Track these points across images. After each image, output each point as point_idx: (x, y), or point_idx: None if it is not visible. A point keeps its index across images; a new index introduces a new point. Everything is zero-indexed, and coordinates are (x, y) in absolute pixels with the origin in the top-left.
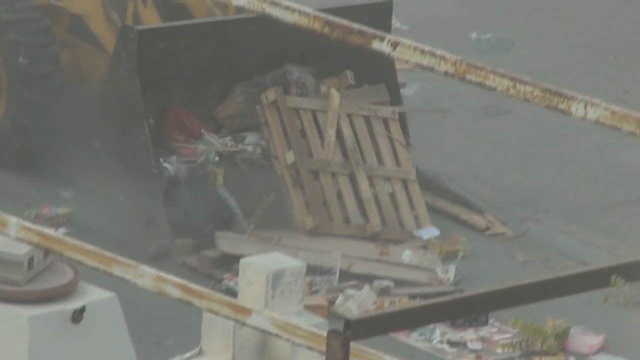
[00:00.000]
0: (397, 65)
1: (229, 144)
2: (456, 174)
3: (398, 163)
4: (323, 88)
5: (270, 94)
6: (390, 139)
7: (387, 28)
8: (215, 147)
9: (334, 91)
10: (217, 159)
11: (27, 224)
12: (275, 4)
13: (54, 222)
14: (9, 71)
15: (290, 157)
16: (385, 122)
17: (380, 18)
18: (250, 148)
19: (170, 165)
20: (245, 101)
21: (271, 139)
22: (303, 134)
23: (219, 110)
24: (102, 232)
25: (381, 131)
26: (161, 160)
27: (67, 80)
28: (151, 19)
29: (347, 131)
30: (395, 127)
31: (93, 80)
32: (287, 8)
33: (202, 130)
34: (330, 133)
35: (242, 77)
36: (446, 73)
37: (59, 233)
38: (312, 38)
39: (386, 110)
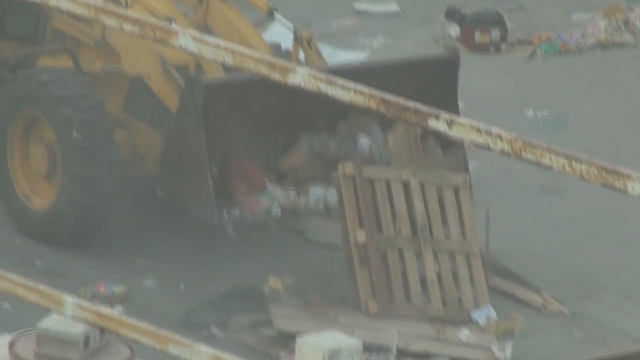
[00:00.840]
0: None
1: (292, 198)
2: (512, 252)
3: (464, 235)
4: (391, 140)
5: (348, 168)
6: (460, 210)
7: (454, 83)
8: (278, 200)
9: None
10: (279, 213)
11: (83, 303)
12: (331, 83)
13: (111, 301)
14: (63, 147)
15: (361, 236)
16: (456, 190)
17: (447, 73)
18: (313, 202)
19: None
20: (310, 152)
21: (343, 213)
22: (374, 201)
23: (284, 160)
24: (159, 310)
25: (451, 200)
26: (224, 211)
27: (122, 159)
28: (214, 71)
29: (419, 206)
30: (465, 196)
31: (148, 159)
32: (342, 87)
33: (265, 180)
34: (404, 217)
35: (307, 128)
36: (502, 151)
37: (115, 312)
38: (376, 84)
39: (457, 178)
